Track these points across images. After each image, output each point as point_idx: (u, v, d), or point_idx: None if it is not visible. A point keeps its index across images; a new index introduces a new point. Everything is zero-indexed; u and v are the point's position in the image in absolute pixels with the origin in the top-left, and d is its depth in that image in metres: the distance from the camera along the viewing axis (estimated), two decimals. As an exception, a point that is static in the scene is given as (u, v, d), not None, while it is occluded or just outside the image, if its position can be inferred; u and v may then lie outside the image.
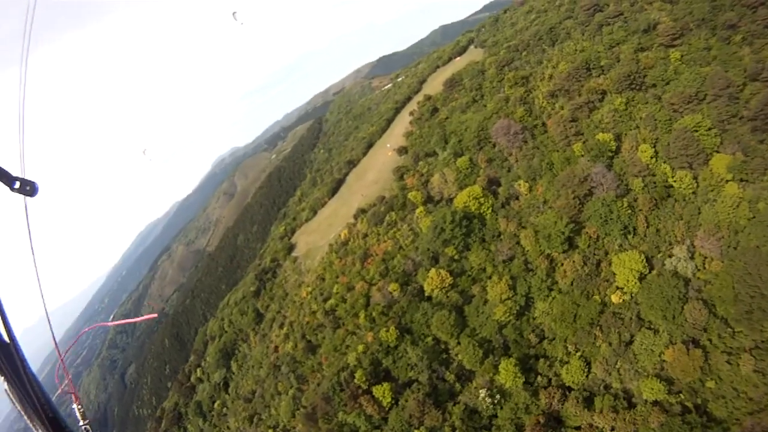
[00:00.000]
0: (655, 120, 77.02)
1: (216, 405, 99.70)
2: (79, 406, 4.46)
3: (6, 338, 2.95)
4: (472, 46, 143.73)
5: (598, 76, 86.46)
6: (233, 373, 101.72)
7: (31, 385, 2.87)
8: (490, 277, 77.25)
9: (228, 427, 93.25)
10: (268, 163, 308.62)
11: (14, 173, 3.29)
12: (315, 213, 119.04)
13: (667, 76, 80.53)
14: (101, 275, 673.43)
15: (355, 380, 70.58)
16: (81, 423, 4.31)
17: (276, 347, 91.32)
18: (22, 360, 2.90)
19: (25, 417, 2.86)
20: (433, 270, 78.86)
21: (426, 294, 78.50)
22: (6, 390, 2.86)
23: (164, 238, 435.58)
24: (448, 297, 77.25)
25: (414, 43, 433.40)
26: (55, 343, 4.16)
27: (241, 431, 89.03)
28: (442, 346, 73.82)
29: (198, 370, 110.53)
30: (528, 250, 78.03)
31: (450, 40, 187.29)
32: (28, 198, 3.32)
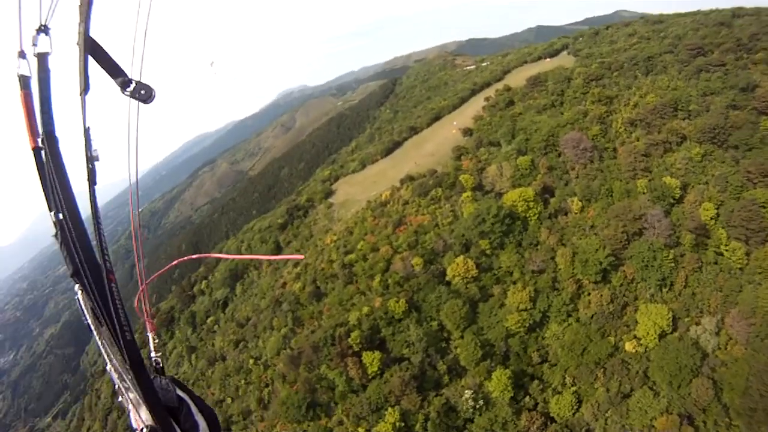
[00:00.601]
0: (727, 182, 76.66)
1: (209, 320, 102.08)
2: (155, 336, 4.30)
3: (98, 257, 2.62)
4: (564, 52, 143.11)
5: (683, 119, 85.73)
6: (235, 295, 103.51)
7: (113, 302, 2.61)
8: (514, 283, 78.07)
9: (212, 344, 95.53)
10: (332, 108, 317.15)
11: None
12: (363, 167, 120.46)
13: (752, 141, 79.89)
14: (141, 169, 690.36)
15: (350, 339, 71.85)
16: (153, 354, 4.21)
17: (284, 283, 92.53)
18: (109, 271, 2.65)
19: (97, 334, 2.59)
20: (461, 257, 79.95)
21: (446, 278, 79.54)
22: (80, 299, 2.62)
23: (211, 152, 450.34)
24: (467, 288, 78.37)
25: (506, 35, 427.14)
26: (138, 260, 3.85)
27: (224, 351, 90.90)
28: (445, 335, 74.81)
29: (203, 282, 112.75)
30: (560, 269, 78.79)
31: (543, 42, 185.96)
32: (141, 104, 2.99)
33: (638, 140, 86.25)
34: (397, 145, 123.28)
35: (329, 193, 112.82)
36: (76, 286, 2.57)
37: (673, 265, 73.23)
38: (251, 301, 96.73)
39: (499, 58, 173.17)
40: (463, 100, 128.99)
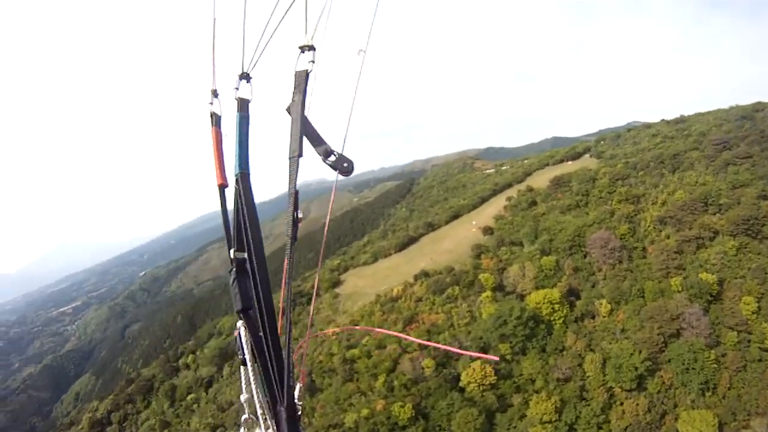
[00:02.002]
0: (766, 273, 75.05)
1: (189, 397, 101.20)
2: (302, 387, 3.79)
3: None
4: (587, 155, 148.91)
5: (714, 213, 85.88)
6: (221, 377, 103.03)
7: (288, 344, 2.71)
8: (537, 392, 75.17)
9: (188, 424, 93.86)
10: (348, 203, 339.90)
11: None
12: (375, 260, 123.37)
13: None
14: (152, 234, 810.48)
15: (343, 445, 69.79)
16: (297, 402, 3.53)
17: None
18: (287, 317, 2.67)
19: (251, 368, 2.74)
20: (478, 362, 78.12)
21: (460, 384, 77.51)
22: (241, 335, 2.78)
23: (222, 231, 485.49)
24: (483, 396, 75.82)
25: (523, 145, 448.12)
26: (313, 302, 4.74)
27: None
28: (456, 449, 70.71)
29: (190, 356, 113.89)
30: (589, 376, 75.84)
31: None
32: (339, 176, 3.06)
33: (668, 238, 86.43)
34: (413, 240, 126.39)
35: (336, 283, 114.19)
36: (239, 323, 2.77)
37: (715, 366, 69.76)
38: (238, 386, 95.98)
39: (519, 162, 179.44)
40: (484, 200, 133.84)
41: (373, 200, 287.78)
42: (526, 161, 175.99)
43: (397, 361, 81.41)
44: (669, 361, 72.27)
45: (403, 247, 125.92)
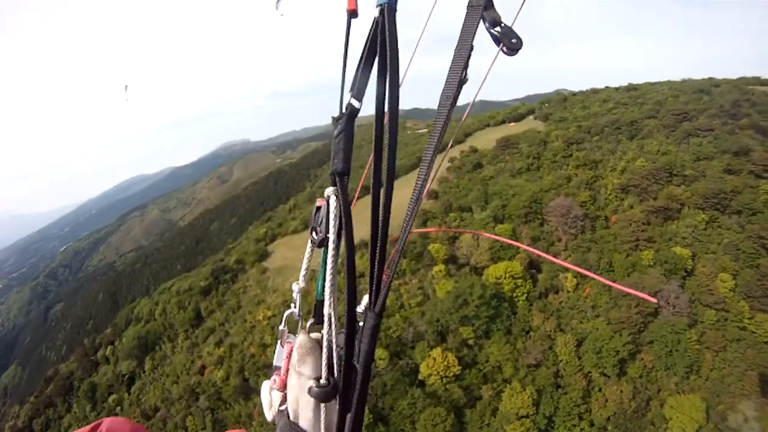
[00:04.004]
0: (738, 249, 76.55)
1: (111, 399, 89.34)
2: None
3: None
4: (530, 117, 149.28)
5: (679, 185, 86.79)
6: (144, 372, 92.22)
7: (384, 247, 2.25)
8: (506, 381, 68.82)
9: None
10: (271, 164, 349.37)
11: None
12: (306, 227, 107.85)
13: (755, 206, 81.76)
14: (73, 203, 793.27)
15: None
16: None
17: (203, 367, 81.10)
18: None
19: (334, 248, 2.27)
20: (438, 349, 69.94)
21: (420, 377, 68.74)
22: (331, 204, 2.25)
23: (145, 196, 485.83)
24: (447, 390, 68.00)
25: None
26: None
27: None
28: (423, 456, 64.39)
29: (109, 347, 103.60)
30: (562, 360, 70.77)
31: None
32: None
33: (632, 207, 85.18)
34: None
35: (264, 256, 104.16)
36: (330, 189, 2.27)
37: (698, 347, 69.12)
38: (162, 383, 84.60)
39: (455, 122, 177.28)
40: (421, 160, 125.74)
41: (297, 161, 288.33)
42: (463, 121, 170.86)
43: (344, 352, 69.11)
44: (651, 343, 70.55)
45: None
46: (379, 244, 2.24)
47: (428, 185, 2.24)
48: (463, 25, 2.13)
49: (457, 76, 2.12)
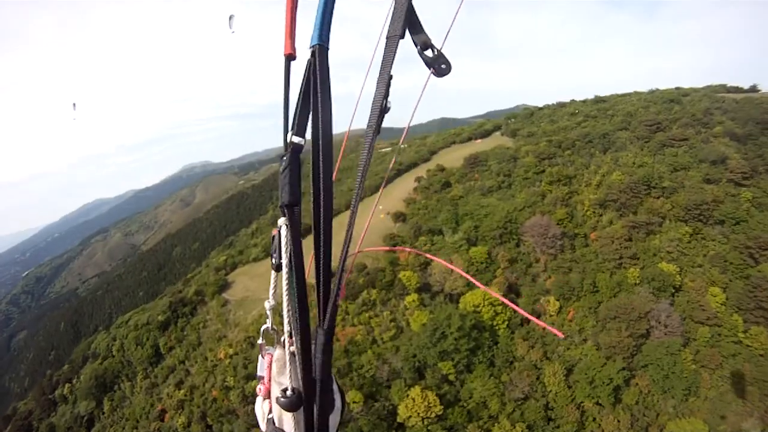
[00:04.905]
0: (725, 261, 75.35)
1: None
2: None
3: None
4: (497, 133, 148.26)
5: (658, 197, 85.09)
6: (102, 413, 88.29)
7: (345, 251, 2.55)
8: (494, 417, 64.94)
9: None
10: (233, 186, 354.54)
11: None
12: (267, 254, 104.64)
13: (738, 215, 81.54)
14: (35, 227, 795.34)
15: None
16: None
17: (163, 411, 76.57)
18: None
19: (287, 273, 2.51)
20: (416, 388, 65.15)
21: (400, 420, 63.51)
22: (282, 234, 2.54)
23: (107, 220, 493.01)
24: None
25: (413, 125, 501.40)
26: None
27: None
28: None
29: (67, 385, 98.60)
30: (551, 392, 66.36)
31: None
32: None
33: (612, 223, 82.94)
34: (308, 230, 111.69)
35: (224, 286, 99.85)
36: (282, 220, 2.57)
37: (694, 367, 66.82)
38: (122, 427, 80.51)
39: (418, 141, 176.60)
40: (388, 182, 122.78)
41: (260, 183, 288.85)
42: (427, 139, 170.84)
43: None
44: (645, 366, 67.57)
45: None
46: (322, 268, 2.53)
47: (356, 209, 2.51)
48: (384, 55, 2.34)
49: (378, 106, 2.37)
